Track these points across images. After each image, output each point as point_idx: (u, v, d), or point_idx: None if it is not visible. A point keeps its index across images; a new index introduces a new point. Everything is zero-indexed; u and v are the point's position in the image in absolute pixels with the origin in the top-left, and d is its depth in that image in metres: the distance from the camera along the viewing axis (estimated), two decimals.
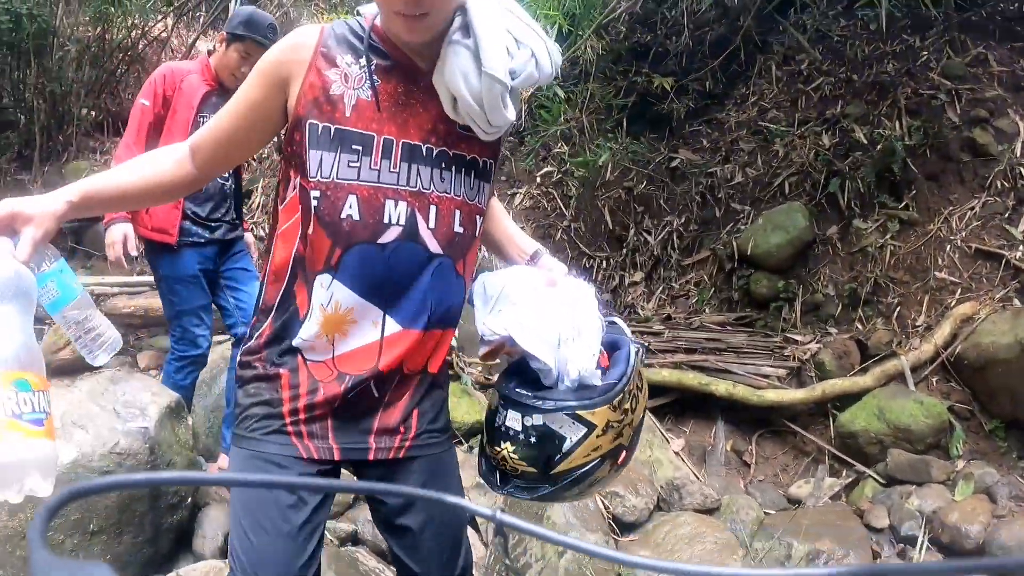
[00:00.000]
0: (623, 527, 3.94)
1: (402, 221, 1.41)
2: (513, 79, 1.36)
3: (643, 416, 1.53)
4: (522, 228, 6.17)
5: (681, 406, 4.56)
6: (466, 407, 5.21)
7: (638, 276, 5.56)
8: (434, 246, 1.44)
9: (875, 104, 5.55)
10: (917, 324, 4.51)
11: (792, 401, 4.32)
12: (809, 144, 5.55)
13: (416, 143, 1.42)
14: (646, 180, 5.89)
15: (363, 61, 1.42)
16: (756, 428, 4.45)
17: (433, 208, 1.43)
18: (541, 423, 1.34)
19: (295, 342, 1.45)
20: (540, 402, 1.35)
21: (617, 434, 1.39)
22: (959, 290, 4.58)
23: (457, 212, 1.46)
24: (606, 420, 1.35)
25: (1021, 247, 4.70)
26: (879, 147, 5.16)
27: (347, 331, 1.43)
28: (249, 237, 3.73)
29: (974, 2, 5.83)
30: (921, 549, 3.55)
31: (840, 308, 4.76)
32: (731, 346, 4.58)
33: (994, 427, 4.15)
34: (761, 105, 6.20)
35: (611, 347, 1.49)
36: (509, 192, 6.34)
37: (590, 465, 1.37)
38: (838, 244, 5.01)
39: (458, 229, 1.47)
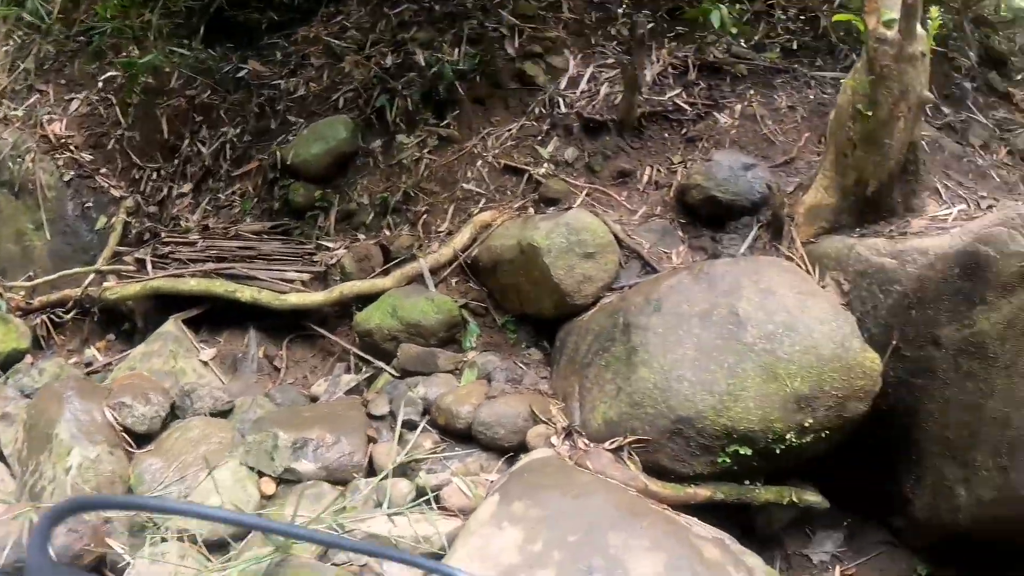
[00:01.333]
0: (139, 439, 3.86)
1: None
2: None
3: None
4: (72, 136, 5.59)
5: (216, 316, 4.51)
6: (1, 334, 4.78)
7: (187, 188, 5.36)
8: None
9: (443, 32, 5.82)
10: (440, 230, 4.84)
11: (312, 304, 4.43)
12: (373, 63, 5.68)
13: None
14: (210, 90, 5.67)
15: None
16: (288, 333, 4.54)
17: None
18: None
19: None
20: None
21: None
22: (483, 200, 4.98)
23: None
24: None
25: (545, 164, 5.22)
26: (433, 70, 5.44)
27: None
28: None
29: None
30: (416, 431, 3.85)
31: (372, 216, 4.97)
32: (263, 254, 4.61)
33: (505, 321, 4.58)
34: (344, 24, 6.22)
35: None
36: (66, 98, 5.75)
37: None
38: (380, 157, 5.22)
39: None
